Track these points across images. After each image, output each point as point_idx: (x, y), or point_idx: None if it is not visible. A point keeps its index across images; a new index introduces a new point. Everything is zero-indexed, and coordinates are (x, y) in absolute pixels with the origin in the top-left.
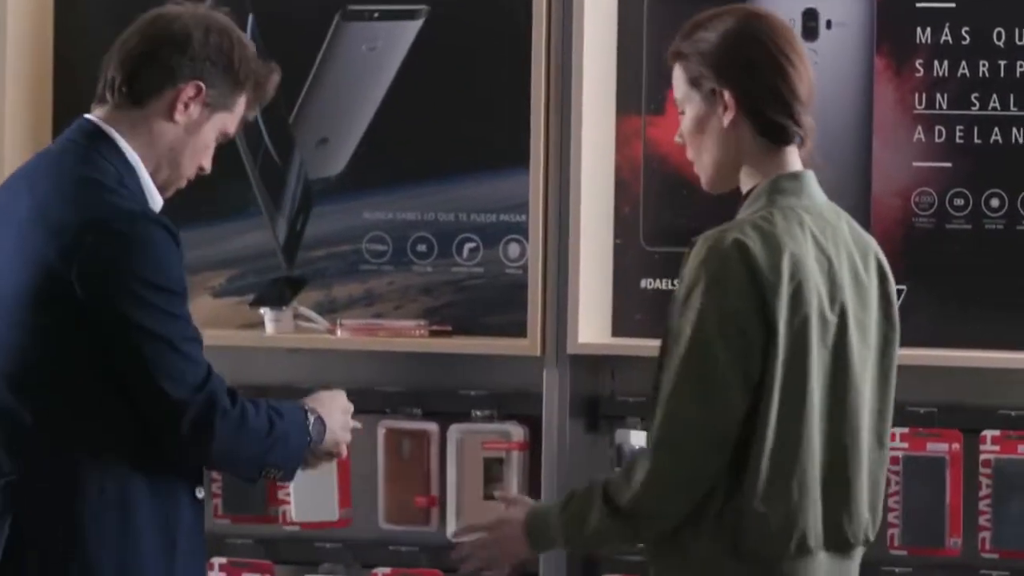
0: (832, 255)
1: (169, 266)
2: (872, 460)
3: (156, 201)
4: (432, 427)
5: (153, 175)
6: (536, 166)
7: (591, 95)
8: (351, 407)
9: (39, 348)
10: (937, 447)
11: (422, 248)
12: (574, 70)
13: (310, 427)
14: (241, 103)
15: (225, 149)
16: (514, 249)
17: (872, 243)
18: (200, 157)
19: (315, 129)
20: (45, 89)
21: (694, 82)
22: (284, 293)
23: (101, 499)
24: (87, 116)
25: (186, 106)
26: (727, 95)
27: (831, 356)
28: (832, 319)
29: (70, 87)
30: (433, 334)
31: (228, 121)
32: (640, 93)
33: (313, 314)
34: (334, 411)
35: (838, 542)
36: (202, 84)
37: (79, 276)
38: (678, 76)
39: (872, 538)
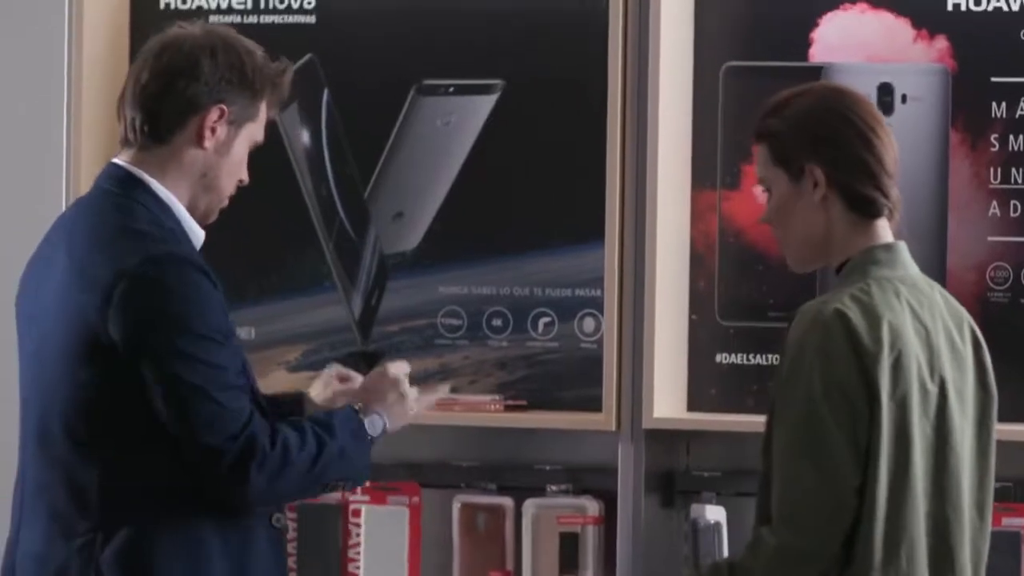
0: (929, 325)
1: (202, 310)
2: (974, 530)
3: (197, 235)
4: (507, 502)
5: (191, 206)
6: (611, 240)
7: (666, 169)
8: (400, 380)
9: (93, 402)
10: (1013, 522)
11: (497, 323)
12: (649, 144)
13: (367, 427)
14: (263, 109)
15: (301, 223)
16: (589, 323)
17: (965, 313)
18: (237, 173)
19: (390, 203)
20: None
21: (780, 161)
22: (359, 368)
23: (173, 540)
24: (115, 161)
25: (212, 130)
26: (817, 171)
27: (932, 427)
28: (932, 389)
29: None
30: (508, 408)
31: (255, 130)
32: (715, 167)
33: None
34: (387, 397)
35: None
36: (223, 106)
37: (114, 328)
38: (762, 155)
39: None
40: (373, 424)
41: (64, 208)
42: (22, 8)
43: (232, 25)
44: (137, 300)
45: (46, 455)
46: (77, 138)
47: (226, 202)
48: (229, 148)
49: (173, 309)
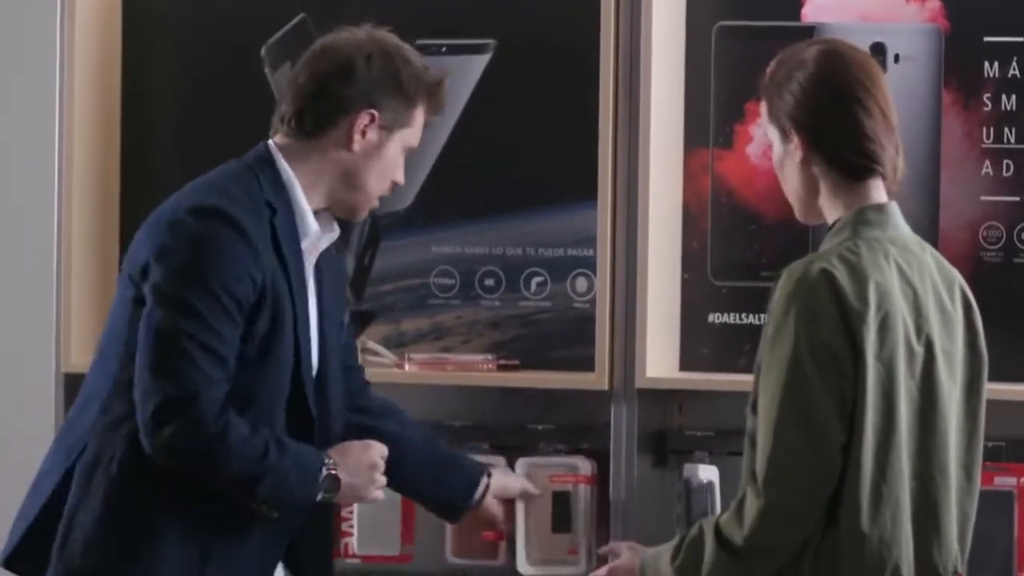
0: (917, 286)
1: (215, 266)
2: (961, 491)
3: (310, 226)
4: (500, 461)
5: (332, 200)
6: (604, 200)
7: (659, 129)
8: (381, 462)
9: (120, 323)
10: (1005, 481)
11: (490, 282)
12: (642, 104)
13: (320, 480)
14: (419, 116)
15: None
16: (582, 283)
17: (956, 274)
18: (388, 176)
19: None
20: (113, 128)
21: (771, 119)
22: (352, 327)
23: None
24: (268, 141)
25: (363, 134)
26: (795, 135)
27: (918, 387)
28: (919, 350)
29: (138, 124)
30: (501, 368)
31: (409, 136)
32: (708, 127)
33: (381, 348)
34: (361, 467)
35: (929, 573)
36: (375, 111)
37: (142, 267)
38: (763, 112)
39: (961, 570)
40: (325, 483)
41: (55, 206)
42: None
43: None
44: (164, 236)
45: (90, 371)
46: (70, 100)
47: (376, 203)
48: (380, 152)
49: (186, 253)
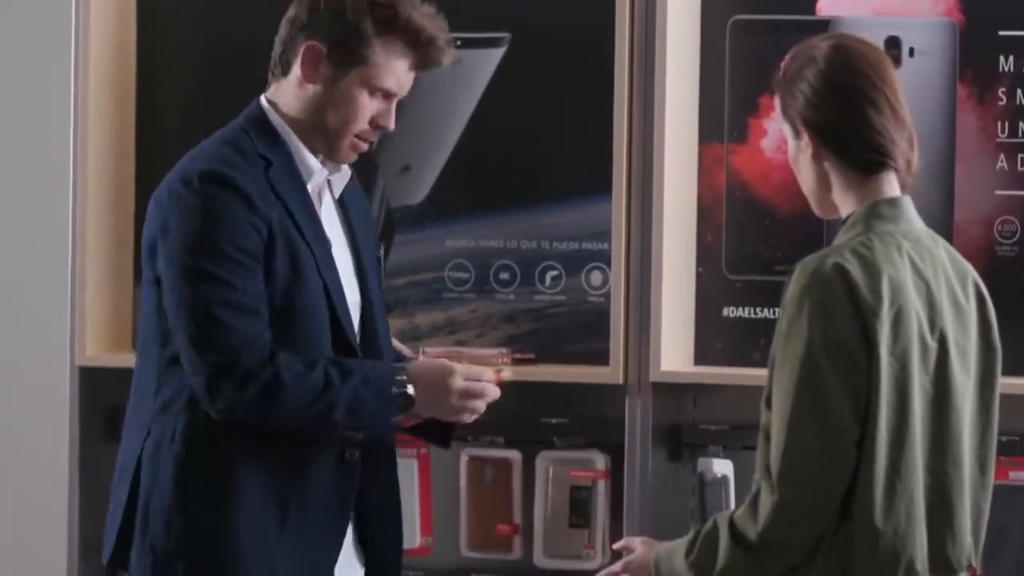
0: (930, 280)
1: (216, 227)
2: (974, 486)
3: (309, 165)
4: (514, 455)
5: (309, 143)
6: (619, 194)
7: (674, 123)
8: (458, 385)
9: (148, 303)
10: (1020, 475)
11: (505, 276)
12: (656, 98)
13: (393, 396)
14: (379, 54)
15: None
16: (596, 277)
17: (970, 268)
18: (348, 118)
19: (398, 157)
20: (128, 127)
21: (784, 117)
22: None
23: (198, 457)
24: (261, 96)
25: (313, 67)
26: (804, 132)
27: (932, 382)
28: (932, 344)
29: (152, 118)
30: (515, 362)
31: (372, 76)
32: (722, 121)
33: (396, 342)
34: (434, 387)
35: (942, 567)
36: (315, 43)
37: (151, 247)
38: (777, 107)
39: (975, 563)
40: (399, 402)
41: (70, 200)
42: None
43: None
44: (163, 211)
45: (136, 361)
46: (84, 89)
47: (344, 144)
48: (335, 89)
49: (185, 223)
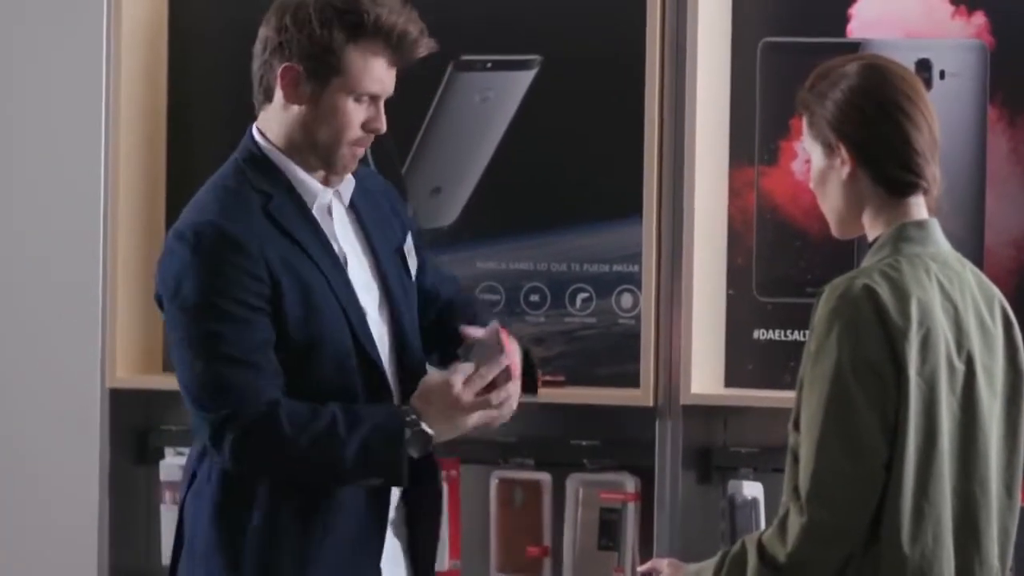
0: (958, 302)
1: (209, 280)
2: (1002, 508)
3: (312, 190)
4: (544, 477)
5: (306, 162)
6: (649, 216)
7: (704, 145)
8: (454, 389)
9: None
10: None
11: (535, 298)
12: (687, 120)
13: (407, 439)
14: (352, 60)
15: None
16: (627, 299)
17: (997, 291)
18: (336, 128)
19: (428, 179)
20: (159, 140)
21: (815, 135)
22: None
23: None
24: (252, 126)
25: (293, 88)
26: (843, 149)
27: (959, 404)
28: (960, 367)
29: (183, 135)
30: (546, 384)
31: (351, 82)
32: (753, 143)
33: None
34: (444, 409)
35: None
36: (291, 64)
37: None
38: (804, 126)
39: None
40: (416, 441)
41: (101, 223)
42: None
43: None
44: (161, 267)
45: None
46: (116, 112)
47: (341, 156)
48: (318, 104)
49: (177, 280)
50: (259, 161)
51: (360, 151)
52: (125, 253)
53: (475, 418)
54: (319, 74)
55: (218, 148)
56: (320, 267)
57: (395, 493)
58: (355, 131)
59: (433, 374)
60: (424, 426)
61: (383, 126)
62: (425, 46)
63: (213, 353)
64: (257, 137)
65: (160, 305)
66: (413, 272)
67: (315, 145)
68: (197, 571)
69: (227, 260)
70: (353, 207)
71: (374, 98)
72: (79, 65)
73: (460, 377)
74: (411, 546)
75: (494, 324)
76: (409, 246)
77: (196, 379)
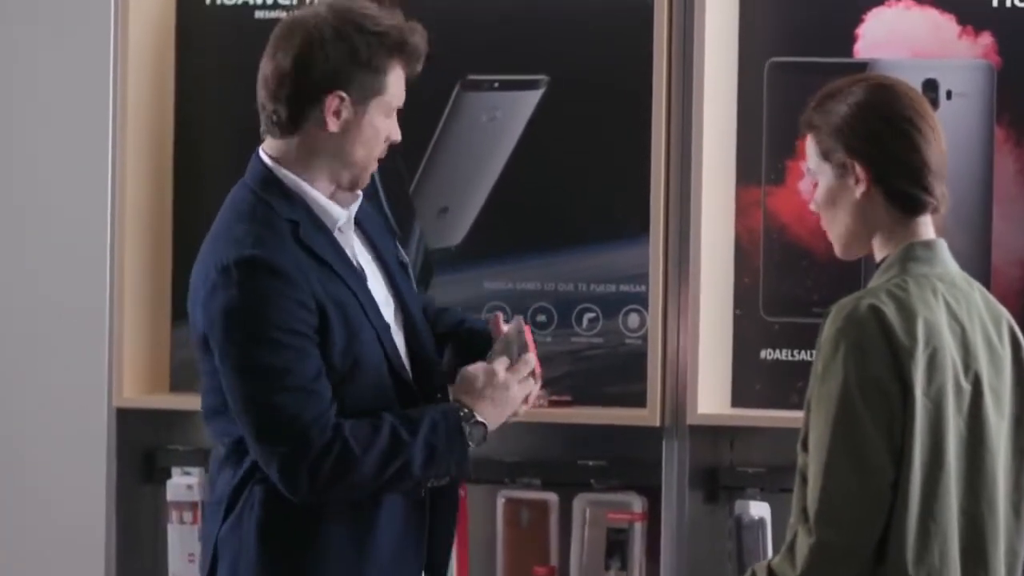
0: (965, 323)
1: (260, 312)
2: (1008, 529)
3: (333, 214)
4: (551, 497)
5: (335, 181)
6: (656, 236)
7: (711, 165)
8: (499, 377)
9: (211, 383)
10: None
11: (542, 318)
12: (694, 140)
13: (468, 433)
14: (392, 78)
15: None
16: (634, 319)
17: (1004, 312)
18: (373, 143)
19: (435, 199)
20: (166, 156)
21: (825, 154)
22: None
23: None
24: (259, 152)
25: (337, 115)
26: (858, 168)
27: (966, 424)
28: (967, 387)
29: (191, 153)
30: (552, 404)
31: (387, 100)
32: (760, 163)
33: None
34: (486, 396)
35: None
36: (342, 93)
37: (199, 333)
38: (810, 147)
39: None
40: (475, 433)
41: (108, 242)
42: (68, 5)
43: (278, 21)
44: (209, 302)
45: (210, 425)
46: (123, 133)
47: (373, 167)
48: (359, 125)
49: (230, 317)
50: (279, 188)
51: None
52: (132, 272)
53: (524, 404)
54: (363, 96)
55: (225, 167)
56: (350, 287)
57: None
58: (383, 146)
59: (472, 367)
60: (479, 416)
61: (399, 136)
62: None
63: (274, 386)
64: (268, 162)
65: (206, 345)
66: (413, 282)
67: (351, 165)
68: None
69: (276, 291)
70: (358, 223)
71: (396, 112)
72: (86, 83)
73: (503, 365)
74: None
75: (518, 320)
76: (406, 259)
77: (260, 414)
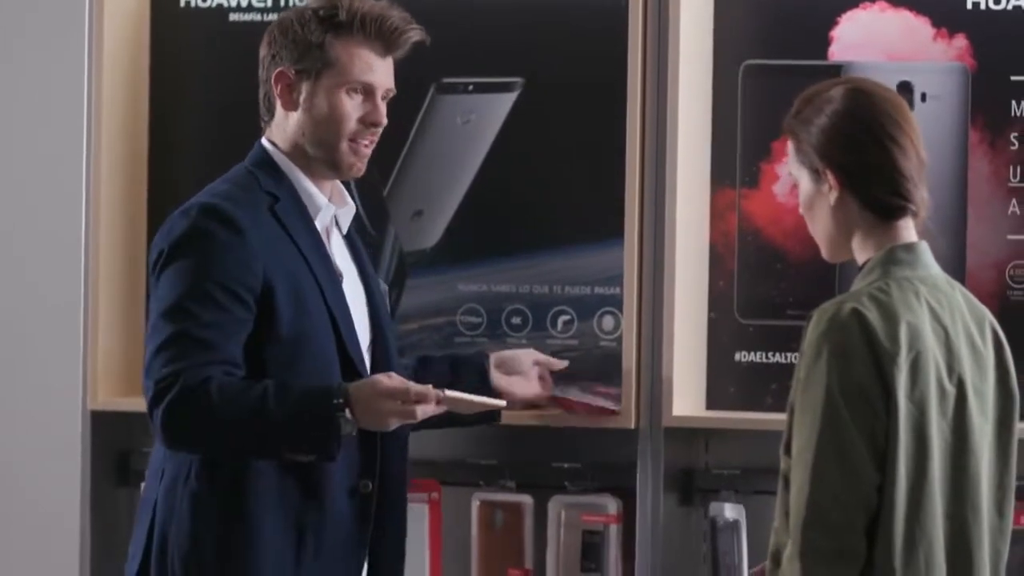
0: (948, 325)
1: (199, 258)
2: (993, 531)
3: (317, 202)
4: (526, 499)
5: (314, 167)
6: (631, 239)
7: (686, 168)
8: (380, 387)
9: None
10: None
11: (516, 320)
12: (669, 143)
13: (334, 416)
14: (339, 53)
15: None
16: (608, 322)
17: (987, 313)
18: (334, 124)
19: (410, 201)
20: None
21: (802, 160)
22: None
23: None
24: (262, 138)
25: (291, 93)
26: (830, 175)
27: (951, 427)
28: (951, 389)
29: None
30: (527, 406)
31: (341, 73)
32: (735, 166)
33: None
34: (361, 399)
35: None
36: (283, 69)
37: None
38: (790, 151)
39: None
40: (342, 418)
41: (83, 245)
42: (43, 5)
43: (252, 24)
44: (159, 235)
45: None
46: (97, 135)
47: (343, 151)
48: (312, 103)
49: (173, 250)
50: (270, 166)
51: (364, 149)
52: (107, 275)
53: (393, 421)
54: (309, 72)
55: (199, 169)
56: (316, 275)
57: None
58: (351, 124)
59: (382, 374)
60: (347, 413)
61: (381, 119)
62: (414, 33)
63: (180, 328)
64: (268, 146)
65: (153, 271)
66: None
67: (317, 145)
68: (173, 569)
69: (224, 243)
70: (350, 239)
71: (368, 91)
72: (60, 84)
73: (394, 381)
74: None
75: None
76: (384, 286)
77: (156, 346)
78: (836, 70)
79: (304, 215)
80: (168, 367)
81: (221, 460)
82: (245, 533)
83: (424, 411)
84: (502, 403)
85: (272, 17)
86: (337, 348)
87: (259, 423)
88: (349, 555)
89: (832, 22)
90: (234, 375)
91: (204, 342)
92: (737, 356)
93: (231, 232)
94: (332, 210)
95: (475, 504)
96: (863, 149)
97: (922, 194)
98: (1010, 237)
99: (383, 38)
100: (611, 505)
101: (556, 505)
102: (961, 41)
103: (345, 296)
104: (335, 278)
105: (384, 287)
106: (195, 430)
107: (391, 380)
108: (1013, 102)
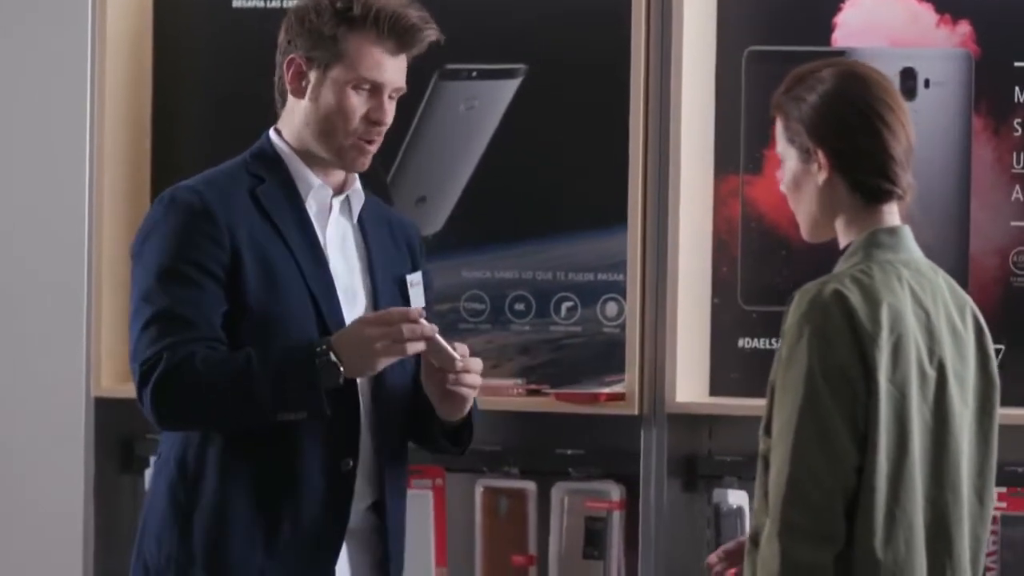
0: (930, 309)
1: (165, 241)
2: (973, 516)
3: (307, 181)
4: (530, 486)
5: (316, 157)
6: (634, 225)
7: (689, 154)
8: (376, 315)
9: None
10: None
11: (520, 307)
12: (672, 129)
13: (318, 368)
14: (352, 48)
15: None
16: (612, 308)
17: (968, 299)
18: (336, 118)
19: (413, 188)
20: (143, 160)
21: (791, 139)
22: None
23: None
24: (270, 130)
25: (300, 81)
26: (821, 155)
27: (931, 411)
28: (931, 373)
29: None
30: (530, 393)
31: (350, 68)
32: (738, 152)
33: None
34: (344, 336)
35: None
36: (294, 56)
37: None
38: (779, 129)
39: None
40: (326, 370)
41: (86, 233)
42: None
43: (255, 11)
44: (137, 232)
45: None
46: (100, 123)
47: (347, 147)
48: (319, 94)
49: (146, 237)
50: (265, 152)
51: (369, 146)
52: (110, 263)
53: (382, 360)
54: (319, 62)
55: (203, 156)
56: (293, 253)
57: (361, 498)
58: (355, 121)
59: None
60: (332, 356)
61: (386, 117)
62: (430, 32)
63: (158, 308)
64: (272, 136)
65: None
66: (413, 305)
67: (320, 136)
68: (149, 546)
69: (191, 224)
70: (362, 226)
71: (375, 89)
72: (63, 73)
73: (371, 315)
74: (384, 559)
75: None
76: (416, 279)
77: (138, 330)
78: (840, 56)
79: (292, 197)
80: (151, 347)
81: (215, 431)
82: (218, 519)
83: (414, 347)
84: (456, 355)
85: (276, 4)
86: (320, 330)
87: (245, 385)
88: (325, 537)
89: (836, 8)
90: (218, 350)
91: (184, 319)
92: (741, 342)
93: (197, 210)
94: (328, 191)
95: (479, 490)
96: (856, 132)
97: (909, 179)
98: (1014, 224)
99: (397, 36)
100: (614, 491)
101: (559, 491)
102: (965, 27)
103: (332, 279)
104: (320, 259)
105: (416, 277)
106: (184, 403)
107: (375, 313)
108: (1017, 88)
